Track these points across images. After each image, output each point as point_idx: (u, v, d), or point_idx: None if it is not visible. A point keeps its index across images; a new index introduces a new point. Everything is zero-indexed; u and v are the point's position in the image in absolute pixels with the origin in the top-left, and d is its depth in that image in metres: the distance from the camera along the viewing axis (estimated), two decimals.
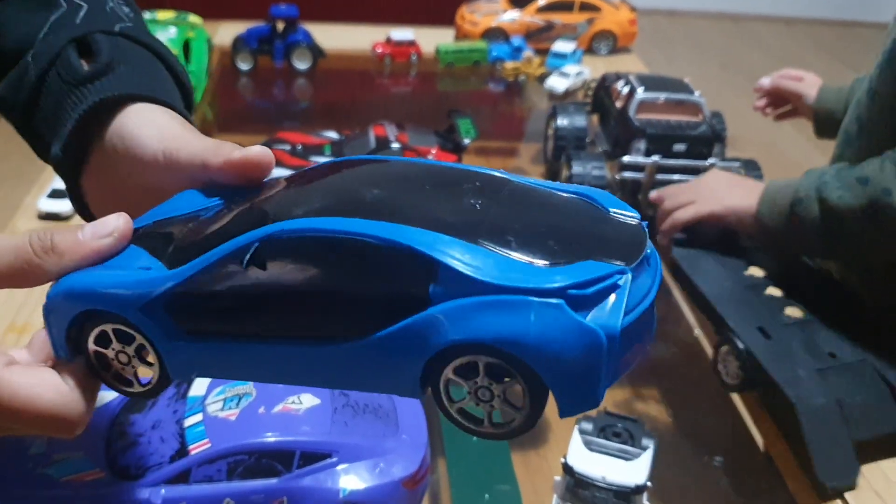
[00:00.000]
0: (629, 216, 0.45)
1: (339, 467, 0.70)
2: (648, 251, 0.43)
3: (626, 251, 0.41)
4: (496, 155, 1.60)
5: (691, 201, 1.07)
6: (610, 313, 0.38)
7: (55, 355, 0.50)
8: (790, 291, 0.98)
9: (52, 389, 0.48)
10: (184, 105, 0.64)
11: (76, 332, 0.48)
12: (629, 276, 0.39)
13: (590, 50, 2.09)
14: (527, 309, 0.38)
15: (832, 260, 1.12)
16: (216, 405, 0.72)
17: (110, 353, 0.47)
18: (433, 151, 1.27)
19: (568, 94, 1.81)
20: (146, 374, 0.48)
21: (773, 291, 0.98)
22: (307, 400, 0.73)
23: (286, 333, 0.43)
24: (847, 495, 0.81)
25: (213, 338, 0.45)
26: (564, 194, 0.47)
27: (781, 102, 1.48)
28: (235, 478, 0.68)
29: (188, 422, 0.71)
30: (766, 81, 1.49)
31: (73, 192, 0.61)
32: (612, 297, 0.39)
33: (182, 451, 0.69)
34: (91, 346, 0.47)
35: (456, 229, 0.41)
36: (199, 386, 0.74)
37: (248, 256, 0.42)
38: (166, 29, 1.62)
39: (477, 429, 0.43)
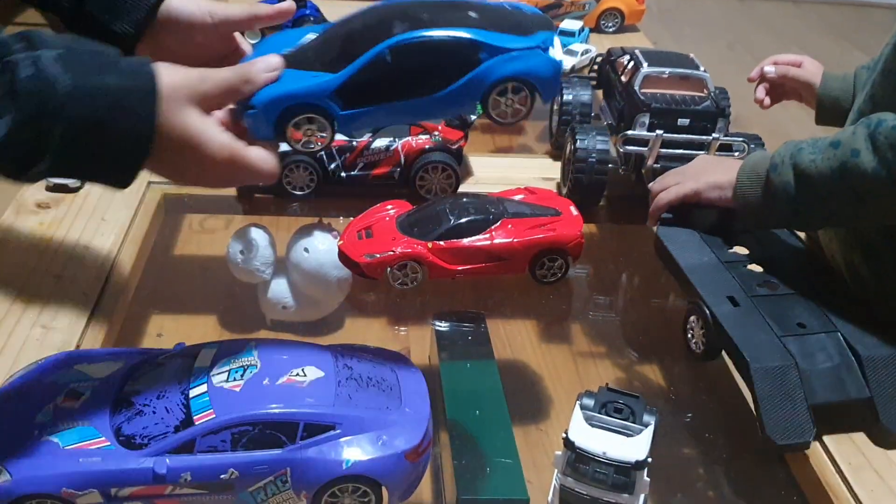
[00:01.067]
0: (536, 13, 0.84)
1: (343, 439, 0.71)
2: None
3: (548, 27, 0.81)
4: (502, 132, 1.60)
5: (677, 183, 1.08)
6: (558, 55, 0.80)
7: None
8: (772, 269, 0.99)
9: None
10: None
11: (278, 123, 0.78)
12: (558, 36, 0.81)
13: (597, 28, 2.08)
14: (528, 55, 0.78)
15: (806, 230, 1.12)
16: (221, 376, 0.72)
17: (304, 128, 0.79)
18: (439, 127, 1.27)
19: (574, 71, 1.80)
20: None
21: (753, 268, 0.99)
22: (311, 373, 0.74)
23: (406, 95, 0.79)
24: (847, 474, 0.82)
25: (364, 106, 0.79)
26: (504, 6, 0.84)
27: (776, 87, 1.45)
28: (240, 448, 0.69)
29: (193, 392, 0.71)
30: (771, 70, 1.39)
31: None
32: (556, 47, 0.80)
33: (187, 422, 0.69)
34: (291, 127, 0.79)
35: (480, 26, 0.79)
36: (205, 357, 0.75)
37: (387, 55, 0.77)
38: None
39: (503, 120, 0.81)
